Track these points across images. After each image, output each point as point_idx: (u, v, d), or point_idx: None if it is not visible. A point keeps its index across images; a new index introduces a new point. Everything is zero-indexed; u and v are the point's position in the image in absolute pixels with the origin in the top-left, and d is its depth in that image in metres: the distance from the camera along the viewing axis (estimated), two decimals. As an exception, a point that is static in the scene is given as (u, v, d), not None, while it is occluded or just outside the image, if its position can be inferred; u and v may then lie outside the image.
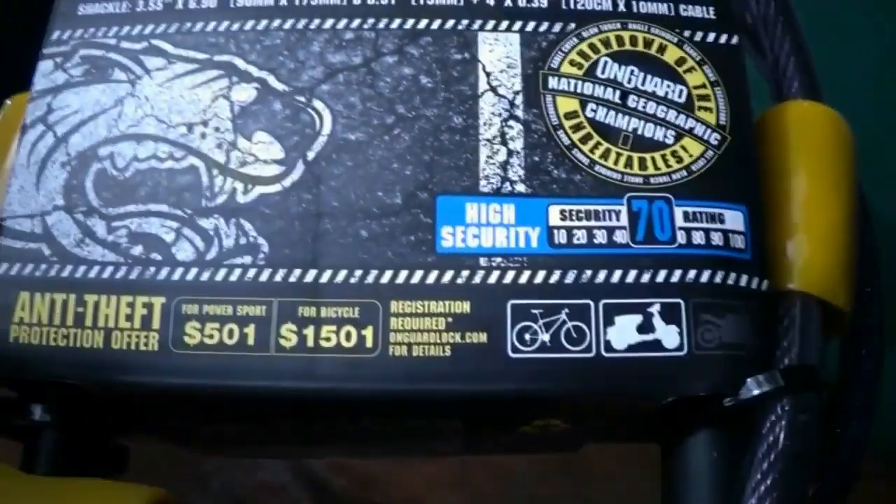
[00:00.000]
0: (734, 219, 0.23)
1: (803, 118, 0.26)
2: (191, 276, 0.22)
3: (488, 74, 0.24)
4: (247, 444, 0.27)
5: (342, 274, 0.22)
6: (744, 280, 0.22)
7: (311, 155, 0.23)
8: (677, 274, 0.22)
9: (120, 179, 0.23)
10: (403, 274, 0.22)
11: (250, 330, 0.22)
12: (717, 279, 0.22)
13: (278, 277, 0.22)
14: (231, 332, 0.22)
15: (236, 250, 0.22)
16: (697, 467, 0.21)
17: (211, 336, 0.22)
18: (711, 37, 0.24)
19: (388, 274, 0.22)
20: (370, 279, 0.22)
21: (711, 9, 0.25)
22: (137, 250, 0.22)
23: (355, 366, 0.21)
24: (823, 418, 0.22)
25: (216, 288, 0.22)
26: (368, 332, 0.21)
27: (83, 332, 0.22)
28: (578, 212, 0.22)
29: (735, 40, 0.25)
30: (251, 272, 0.22)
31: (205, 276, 0.22)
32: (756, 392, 0.21)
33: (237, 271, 0.22)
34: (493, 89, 0.24)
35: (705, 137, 0.23)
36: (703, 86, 0.24)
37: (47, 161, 0.23)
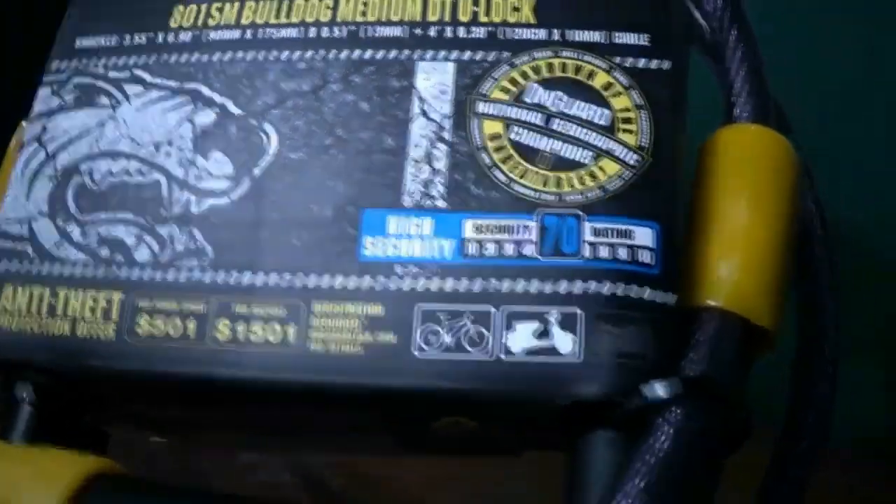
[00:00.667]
0: (644, 235, 0.24)
1: (745, 141, 0.27)
2: (146, 275, 0.25)
3: (422, 100, 0.26)
4: (205, 432, 0.29)
5: (273, 277, 0.24)
6: (647, 293, 0.23)
7: (257, 172, 0.26)
8: (578, 285, 0.23)
9: (95, 191, 0.26)
10: (326, 278, 0.24)
11: (191, 323, 0.24)
12: (619, 291, 0.23)
13: (219, 279, 0.24)
14: (175, 325, 0.24)
15: (185, 254, 0.25)
16: (594, 468, 0.22)
17: (158, 328, 0.24)
18: (642, 62, 0.26)
19: (313, 278, 0.24)
20: (297, 282, 0.24)
21: (646, 36, 0.26)
22: (104, 252, 0.25)
23: (277, 358, 0.23)
24: (720, 432, 0.23)
25: (166, 286, 0.25)
26: (291, 329, 0.24)
27: (54, 321, 0.25)
28: (491, 226, 0.24)
29: (667, 65, 0.26)
30: (196, 273, 0.25)
31: (157, 276, 0.25)
32: (648, 397, 0.22)
33: (185, 272, 0.25)
34: (425, 114, 0.25)
35: (624, 158, 0.24)
36: (628, 109, 0.25)
37: (38, 174, 0.27)
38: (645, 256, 0.23)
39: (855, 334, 0.34)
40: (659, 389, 0.22)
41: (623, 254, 0.23)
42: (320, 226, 0.25)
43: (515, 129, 0.25)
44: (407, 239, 0.24)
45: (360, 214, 0.24)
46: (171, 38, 0.28)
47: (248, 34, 0.27)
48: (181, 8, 0.28)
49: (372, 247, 0.24)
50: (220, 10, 0.28)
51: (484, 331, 0.23)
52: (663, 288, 0.23)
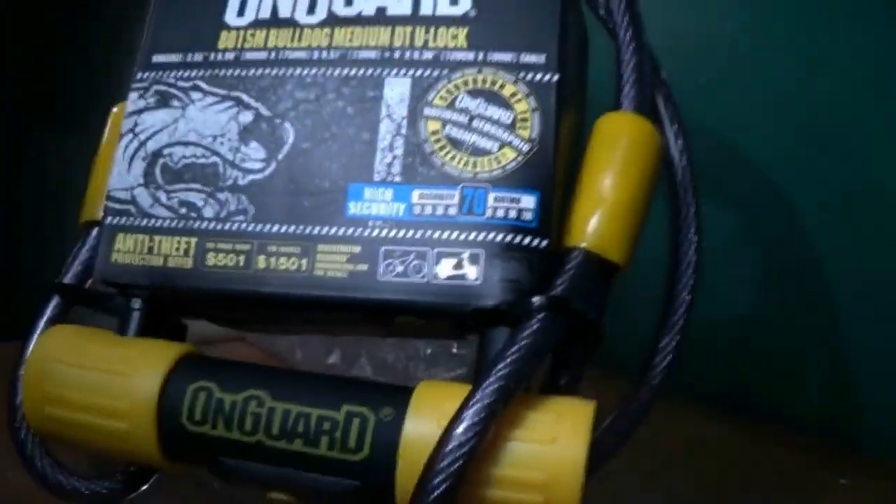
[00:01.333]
0: (528, 200, 0.36)
1: (618, 126, 0.38)
2: (210, 226, 0.38)
3: (388, 106, 0.38)
4: (252, 324, 0.43)
5: (292, 227, 0.37)
6: (527, 240, 0.36)
7: (280, 156, 0.38)
8: (483, 235, 0.36)
9: (174, 168, 0.39)
10: (325, 229, 0.37)
11: (241, 257, 0.38)
12: (508, 239, 0.35)
13: (258, 229, 0.38)
14: (230, 259, 0.38)
15: (235, 212, 0.38)
16: (492, 349, 0.36)
17: (220, 260, 0.38)
18: (538, 76, 0.37)
19: (317, 228, 0.37)
20: (307, 231, 0.37)
21: (544, 55, 0.37)
22: (182, 210, 0.39)
23: (295, 280, 0.37)
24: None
25: (224, 233, 0.38)
26: (304, 262, 0.37)
27: (152, 257, 0.39)
28: (430, 194, 0.36)
29: (555, 78, 0.37)
30: (243, 225, 0.38)
31: (218, 226, 0.38)
32: (525, 307, 0.35)
33: (236, 224, 0.38)
34: (389, 116, 0.38)
35: (519, 147, 0.37)
36: (525, 112, 0.37)
37: (134, 156, 0.40)
38: (527, 215, 0.36)
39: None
40: (531, 303, 0.35)
41: (513, 213, 0.36)
42: (321, 194, 0.37)
43: (449, 126, 0.37)
44: (376, 203, 0.37)
45: (346, 186, 0.37)
46: (218, 56, 0.40)
47: (272, 55, 0.40)
48: (225, 33, 0.41)
49: (354, 208, 0.37)
50: (253, 35, 0.40)
51: (422, 264, 0.36)
52: (539, 236, 0.36)
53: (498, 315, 0.35)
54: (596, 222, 0.37)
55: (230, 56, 0.40)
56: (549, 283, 0.35)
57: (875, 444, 0.57)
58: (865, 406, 0.55)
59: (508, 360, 0.34)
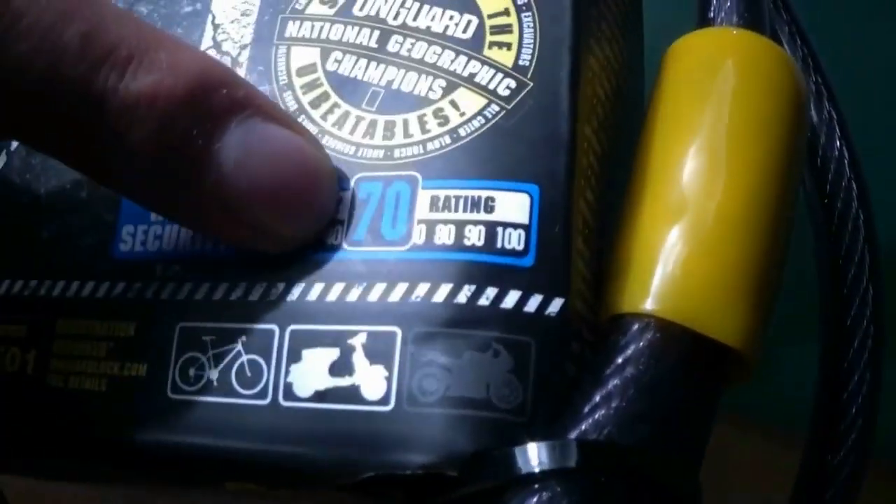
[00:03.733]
0: (512, 205, 0.15)
1: (720, 50, 0.17)
2: None
3: (216, 27, 0.18)
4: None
5: (19, 285, 0.17)
6: (512, 297, 0.14)
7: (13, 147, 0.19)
8: (400, 290, 0.15)
9: None
10: (75, 286, 0.17)
11: None
12: (462, 298, 0.14)
13: None
14: None
15: None
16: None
17: None
18: None
19: (60, 285, 0.17)
20: (45, 290, 0.17)
21: None
22: None
23: (13, 394, 0.17)
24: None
25: None
26: (31, 357, 0.17)
27: None
28: (288, 202, 0.16)
29: None
30: None
31: None
32: (515, 471, 0.14)
33: None
34: (217, 46, 0.18)
35: (491, 86, 0.16)
36: (505, 12, 0.16)
37: None
38: (511, 239, 0.15)
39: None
40: (534, 458, 0.14)
41: (475, 236, 0.15)
42: (72, 212, 0.18)
43: (336, 55, 0.17)
44: (170, 227, 0.17)
45: (119, 201, 0.17)
46: None
47: None
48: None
49: (131, 238, 0.17)
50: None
51: (261, 362, 0.15)
52: (541, 288, 0.15)
53: (434, 492, 0.14)
54: (687, 257, 0.15)
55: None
56: (575, 406, 0.14)
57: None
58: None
59: None
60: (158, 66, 0.14)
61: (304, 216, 0.15)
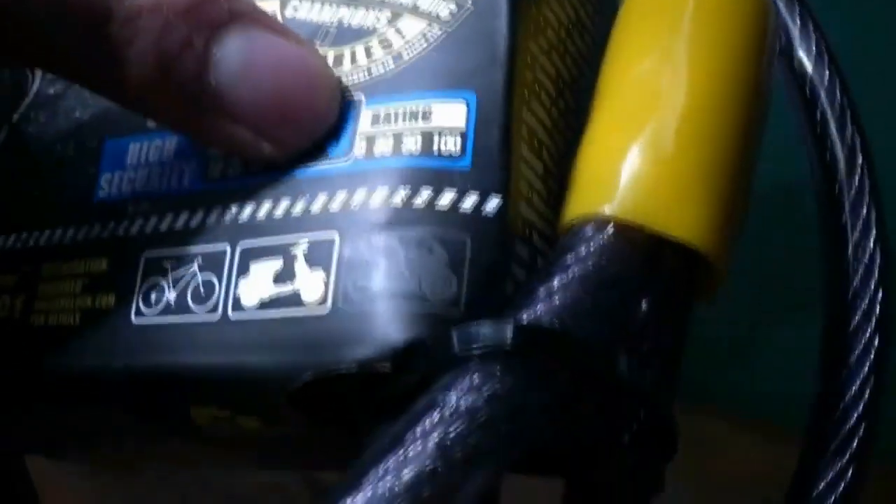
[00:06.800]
0: (449, 112, 0.15)
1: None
2: None
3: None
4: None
5: (12, 239, 0.19)
6: (447, 199, 0.15)
7: (16, 117, 0.20)
8: (339, 199, 0.15)
9: None
10: (58, 232, 0.18)
11: None
12: (397, 200, 0.15)
13: None
14: None
15: None
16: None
17: None
18: None
19: (45, 234, 0.18)
20: (30, 241, 0.18)
21: None
22: None
23: (1, 339, 0.18)
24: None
25: None
26: (19, 301, 0.18)
27: None
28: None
29: None
30: None
31: None
32: (456, 350, 0.14)
33: None
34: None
35: (431, 11, 0.16)
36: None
37: None
38: (448, 143, 0.15)
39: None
40: (466, 339, 0.13)
41: (412, 143, 0.15)
42: (61, 167, 0.19)
43: (294, 4, 0.18)
44: (145, 168, 0.17)
45: (101, 148, 0.18)
46: None
47: None
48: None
49: (108, 185, 0.18)
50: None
51: (213, 279, 0.16)
52: (476, 187, 0.15)
53: (375, 387, 0.14)
54: (636, 162, 0.15)
55: None
56: (516, 301, 0.14)
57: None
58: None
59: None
60: None
61: (306, 124, 0.15)
